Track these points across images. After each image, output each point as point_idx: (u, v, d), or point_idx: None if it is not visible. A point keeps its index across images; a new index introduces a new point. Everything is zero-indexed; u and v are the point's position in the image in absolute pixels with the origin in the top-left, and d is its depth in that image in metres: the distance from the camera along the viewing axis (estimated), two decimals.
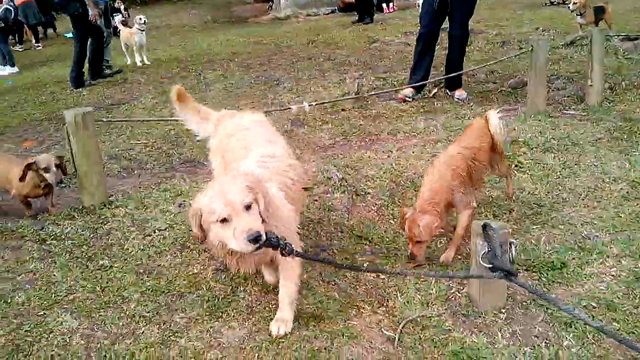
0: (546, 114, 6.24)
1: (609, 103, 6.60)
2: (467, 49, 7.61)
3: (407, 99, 7.30)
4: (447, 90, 7.52)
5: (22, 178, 4.28)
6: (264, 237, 2.54)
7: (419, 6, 14.06)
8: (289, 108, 5.60)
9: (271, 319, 3.13)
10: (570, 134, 5.56)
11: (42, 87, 10.61)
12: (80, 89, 9.83)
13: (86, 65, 10.22)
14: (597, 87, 6.49)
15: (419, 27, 7.47)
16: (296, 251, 2.82)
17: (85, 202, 4.59)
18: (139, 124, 7.04)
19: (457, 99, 7.26)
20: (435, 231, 3.61)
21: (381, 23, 15.24)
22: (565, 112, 6.46)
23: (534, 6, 15.89)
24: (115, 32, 13.87)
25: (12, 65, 14.50)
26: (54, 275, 3.66)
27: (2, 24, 14.42)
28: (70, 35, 19.77)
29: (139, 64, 11.52)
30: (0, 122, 8.17)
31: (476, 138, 4.00)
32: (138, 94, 9.09)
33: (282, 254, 2.72)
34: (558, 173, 4.83)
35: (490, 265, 3.10)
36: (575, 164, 4.95)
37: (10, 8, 14.62)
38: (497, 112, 4.07)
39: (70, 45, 18.05)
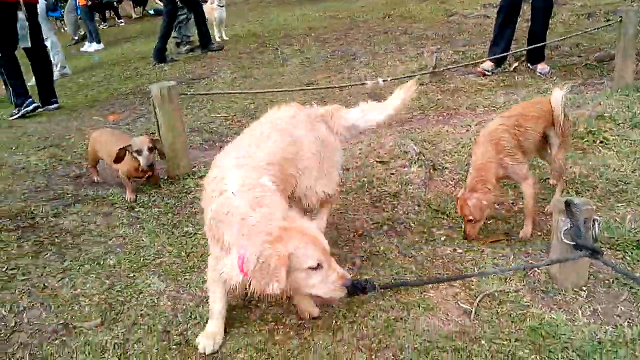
0: (634, 88, 5.95)
1: None
2: (550, 21, 7.33)
3: (486, 73, 7.13)
4: (529, 64, 7.28)
5: (116, 160, 4.39)
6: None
7: None
8: (364, 83, 5.58)
9: None
10: None
11: (126, 63, 11.02)
12: (162, 64, 10.14)
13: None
14: None
15: None
16: (379, 284, 2.83)
17: (170, 172, 4.80)
18: (220, 98, 7.23)
19: (539, 73, 7.03)
20: (486, 209, 3.57)
21: None
22: None
23: None
24: None
25: (98, 42, 15.15)
26: (142, 240, 3.87)
27: (90, 2, 15.04)
28: (152, 12, 20.45)
29: (217, 39, 11.73)
30: (89, 96, 8.60)
31: (523, 106, 3.92)
32: (217, 69, 9.29)
33: (365, 293, 2.78)
34: None
35: (573, 243, 3.07)
36: None
37: None
38: (565, 89, 3.85)
39: (151, 22, 18.76)
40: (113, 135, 4.84)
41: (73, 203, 4.39)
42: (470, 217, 3.55)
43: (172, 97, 4.36)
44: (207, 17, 11.75)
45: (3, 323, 3.07)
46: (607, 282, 3.23)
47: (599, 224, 3.06)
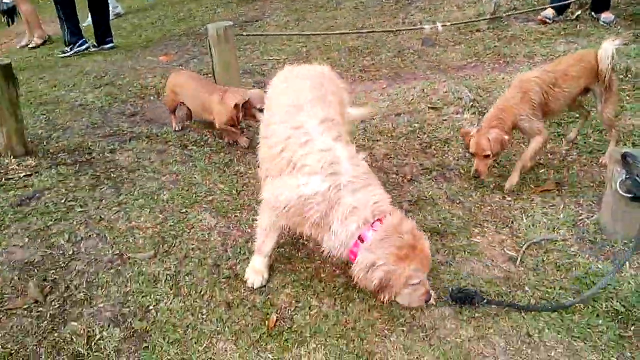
0: None
1: None
2: None
3: (547, 20, 6.85)
4: (593, 13, 6.96)
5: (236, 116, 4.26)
6: None
7: None
8: (422, 28, 5.47)
9: None
10: None
11: (180, 5, 11.02)
12: (215, 7, 10.11)
13: None
14: None
15: None
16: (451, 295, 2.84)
17: None
18: (272, 40, 7.20)
19: (603, 22, 6.71)
20: (505, 145, 3.51)
21: None
22: None
23: None
24: None
25: None
26: (195, 177, 3.97)
27: None
28: None
29: None
30: (143, 36, 8.69)
31: (566, 63, 3.74)
32: (270, 12, 9.21)
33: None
34: None
35: (631, 195, 3.01)
36: None
37: None
38: (617, 41, 3.67)
39: None
40: (197, 81, 4.60)
41: (128, 140, 4.51)
42: (488, 152, 3.46)
43: (228, 37, 4.37)
44: None
45: (61, 252, 3.23)
46: None
47: None
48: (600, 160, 3.90)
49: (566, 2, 6.78)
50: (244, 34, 6.34)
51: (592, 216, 3.36)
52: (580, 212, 3.43)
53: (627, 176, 2.99)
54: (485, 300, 2.76)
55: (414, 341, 2.61)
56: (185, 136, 4.58)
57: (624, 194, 3.02)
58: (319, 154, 2.58)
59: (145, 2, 12.26)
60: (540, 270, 3.00)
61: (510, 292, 2.86)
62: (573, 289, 2.87)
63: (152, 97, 5.52)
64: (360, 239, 2.53)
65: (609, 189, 3.15)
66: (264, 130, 3.01)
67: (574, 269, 3.00)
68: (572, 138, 4.14)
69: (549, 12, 6.86)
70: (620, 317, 2.67)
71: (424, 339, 2.62)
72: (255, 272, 2.98)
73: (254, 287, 2.94)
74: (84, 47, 7.64)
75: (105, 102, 5.40)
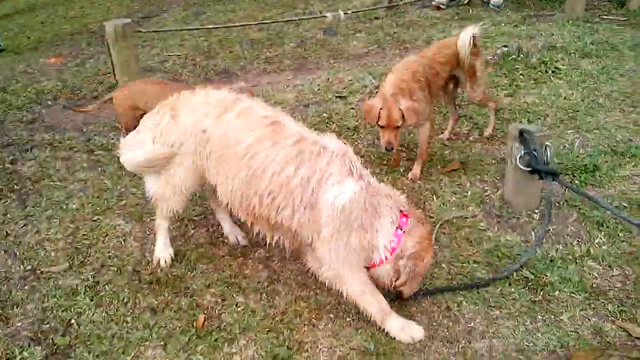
0: (584, 20, 6.12)
1: None
2: None
3: (441, 6, 7.15)
4: None
5: None
6: None
7: None
8: (324, 16, 5.55)
9: None
10: (609, 39, 5.47)
11: (69, 2, 10.53)
12: (108, 4, 9.77)
13: None
14: None
15: None
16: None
17: None
18: (171, 36, 7.06)
19: (493, 5, 7.09)
20: (418, 113, 3.48)
21: None
22: (605, 17, 6.32)
23: None
24: None
25: None
26: (105, 183, 3.86)
27: None
28: None
29: None
30: (33, 37, 8.24)
31: (434, 49, 3.91)
32: (166, 7, 9.02)
33: None
34: (595, 78, 4.81)
35: (529, 169, 3.21)
36: (614, 69, 4.91)
37: None
38: (475, 28, 3.83)
39: None
40: (161, 84, 4.02)
41: (30, 149, 4.30)
42: (400, 123, 3.44)
43: (127, 34, 4.27)
44: None
45: None
46: (557, 204, 3.41)
47: (550, 150, 3.20)
48: (484, 134, 4.18)
49: None
50: (143, 30, 6.16)
51: (496, 191, 3.57)
52: (486, 188, 3.63)
53: (526, 151, 3.19)
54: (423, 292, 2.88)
55: (341, 327, 2.68)
56: (90, 141, 4.42)
57: (524, 168, 3.22)
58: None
59: None
60: (454, 247, 3.16)
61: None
62: (485, 261, 3.04)
63: (49, 102, 5.26)
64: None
65: (510, 164, 3.35)
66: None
67: (484, 242, 3.18)
68: (446, 137, 4.29)
69: None
70: (530, 284, 2.87)
71: (350, 323, 2.70)
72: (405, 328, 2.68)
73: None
74: None
75: (0, 110, 5.10)
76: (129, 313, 2.78)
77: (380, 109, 3.45)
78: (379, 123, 3.48)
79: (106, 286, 2.94)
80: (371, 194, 2.54)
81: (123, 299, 2.86)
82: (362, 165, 2.63)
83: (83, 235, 3.33)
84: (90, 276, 3.01)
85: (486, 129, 4.21)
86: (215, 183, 2.77)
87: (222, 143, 2.66)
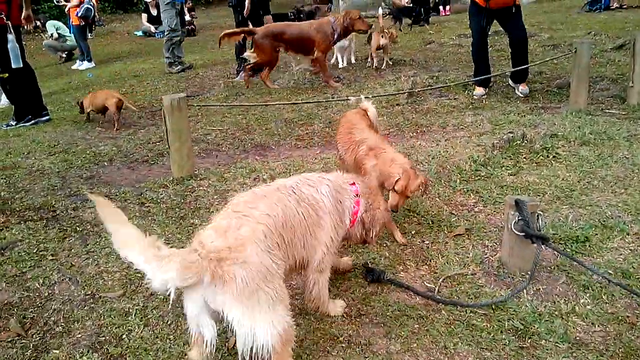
0: (586, 112, 6.70)
1: None
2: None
3: (483, 98, 7.83)
4: (511, 82, 8.05)
5: None
6: None
7: None
8: (348, 99, 6.26)
9: None
10: (607, 130, 6.01)
11: (121, 81, 11.57)
12: (156, 83, 10.69)
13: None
14: (637, 88, 6.87)
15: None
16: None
17: (175, 174, 5.39)
18: (214, 113, 7.84)
19: (521, 93, 7.79)
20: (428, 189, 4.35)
21: (437, 25, 15.72)
22: (606, 111, 6.90)
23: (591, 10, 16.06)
24: (189, 32, 14.80)
25: (90, 60, 15.67)
26: (154, 229, 4.43)
27: (83, 22, 15.61)
28: (139, 33, 21.03)
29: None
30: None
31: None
32: (208, 87, 9.90)
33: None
34: (592, 163, 5.31)
35: (523, 234, 3.70)
36: (609, 156, 5.41)
37: (91, 7, 15.76)
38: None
39: (138, 43, 19.28)
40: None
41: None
42: (411, 194, 4.20)
43: (181, 107, 4.96)
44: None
45: (37, 294, 3.61)
46: (548, 268, 3.85)
47: (542, 218, 3.69)
48: None
49: (488, 76, 7.76)
50: (195, 104, 6.95)
51: (495, 254, 4.02)
52: (486, 251, 4.08)
53: (519, 218, 3.66)
54: (389, 279, 3.63)
55: (352, 355, 3.10)
56: (142, 194, 5.05)
57: (518, 233, 3.69)
58: None
59: (87, 77, 12.73)
60: (454, 298, 3.59)
61: (429, 315, 3.44)
62: (481, 311, 3.47)
63: (105, 163, 5.97)
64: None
65: (506, 230, 3.83)
66: None
67: (481, 296, 3.60)
68: None
69: (479, 91, 7.87)
70: (519, 332, 3.25)
71: (359, 353, 3.12)
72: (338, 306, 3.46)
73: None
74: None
75: (62, 168, 5.81)
76: (172, 332, 3.27)
77: (398, 178, 4.07)
78: (395, 188, 4.10)
79: (154, 310, 3.46)
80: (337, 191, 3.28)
81: (167, 321, 3.36)
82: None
83: (135, 269, 3.82)
84: (140, 302, 3.53)
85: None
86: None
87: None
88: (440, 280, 3.76)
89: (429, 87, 8.13)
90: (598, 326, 3.33)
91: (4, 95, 9.83)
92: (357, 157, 4.36)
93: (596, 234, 4.19)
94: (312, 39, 8.96)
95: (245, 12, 10.11)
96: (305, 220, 3.02)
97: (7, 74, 7.65)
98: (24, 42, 8.17)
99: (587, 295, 3.58)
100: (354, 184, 3.40)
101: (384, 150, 4.28)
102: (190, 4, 20.23)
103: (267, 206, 2.86)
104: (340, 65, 10.99)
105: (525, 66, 7.62)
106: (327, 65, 9.48)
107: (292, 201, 3.00)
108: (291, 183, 3.15)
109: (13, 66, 7.60)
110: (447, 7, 19.05)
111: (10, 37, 7.50)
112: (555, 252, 3.84)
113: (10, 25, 7.51)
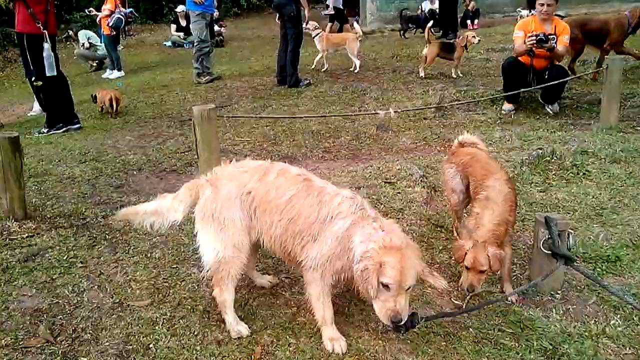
0: (617, 129, 6.62)
1: None
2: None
3: (512, 113, 7.74)
4: (542, 101, 7.94)
5: None
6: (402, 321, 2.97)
7: (520, 17, 14.33)
8: (377, 113, 6.27)
9: None
10: (639, 148, 5.93)
11: (150, 90, 11.70)
12: (185, 93, 10.80)
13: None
14: None
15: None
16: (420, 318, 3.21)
17: None
18: (241, 124, 7.90)
19: (550, 109, 7.72)
20: (503, 262, 3.65)
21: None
22: (637, 128, 6.81)
23: None
24: (218, 43, 14.97)
25: (120, 69, 15.92)
26: (182, 239, 4.46)
27: (114, 32, 15.87)
28: (168, 44, 21.30)
29: None
30: (119, 119, 9.26)
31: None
32: (236, 99, 9.98)
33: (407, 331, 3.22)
34: (623, 181, 5.25)
35: (550, 252, 3.65)
36: None
37: (122, 17, 16.02)
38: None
39: (167, 53, 19.55)
40: None
41: (119, 207, 4.97)
42: (485, 268, 3.54)
43: (210, 118, 5.00)
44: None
45: (67, 301, 3.65)
46: (579, 288, 3.81)
47: (572, 236, 3.65)
48: None
49: (518, 91, 7.65)
50: (225, 116, 7.03)
51: (524, 272, 4.00)
52: (514, 269, 4.05)
53: (549, 236, 3.64)
54: (423, 317, 3.22)
55: None
56: None
57: (545, 251, 3.64)
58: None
59: (116, 86, 12.92)
60: (482, 316, 3.55)
61: (456, 332, 3.41)
62: (510, 330, 3.43)
63: (134, 172, 6.05)
64: None
65: (535, 248, 3.80)
66: None
67: (510, 315, 3.55)
68: None
69: (508, 106, 7.80)
70: (548, 353, 3.22)
71: None
72: (335, 339, 3.27)
73: (339, 352, 3.21)
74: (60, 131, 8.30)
75: (92, 176, 5.89)
76: (199, 343, 3.27)
77: (467, 250, 3.57)
78: (465, 264, 3.62)
79: (181, 320, 3.47)
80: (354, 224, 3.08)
81: (194, 332, 3.37)
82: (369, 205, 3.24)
83: (163, 279, 3.91)
84: (168, 312, 3.55)
85: None
86: (260, 232, 3.34)
87: (266, 199, 3.27)
88: (468, 297, 3.72)
89: (457, 102, 8.11)
90: (629, 348, 3.28)
91: (36, 103, 10.09)
92: (473, 196, 4.00)
93: (627, 254, 4.14)
94: None
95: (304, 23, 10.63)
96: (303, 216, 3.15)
97: (41, 82, 7.81)
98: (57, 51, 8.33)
99: (618, 316, 3.52)
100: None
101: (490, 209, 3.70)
102: (219, 15, 20.43)
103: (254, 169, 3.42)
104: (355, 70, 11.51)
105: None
106: None
107: (307, 195, 3.19)
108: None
109: (47, 74, 7.79)
110: (476, 21, 18.95)
111: (46, 46, 7.69)
112: (578, 271, 3.76)
113: (47, 34, 7.68)
